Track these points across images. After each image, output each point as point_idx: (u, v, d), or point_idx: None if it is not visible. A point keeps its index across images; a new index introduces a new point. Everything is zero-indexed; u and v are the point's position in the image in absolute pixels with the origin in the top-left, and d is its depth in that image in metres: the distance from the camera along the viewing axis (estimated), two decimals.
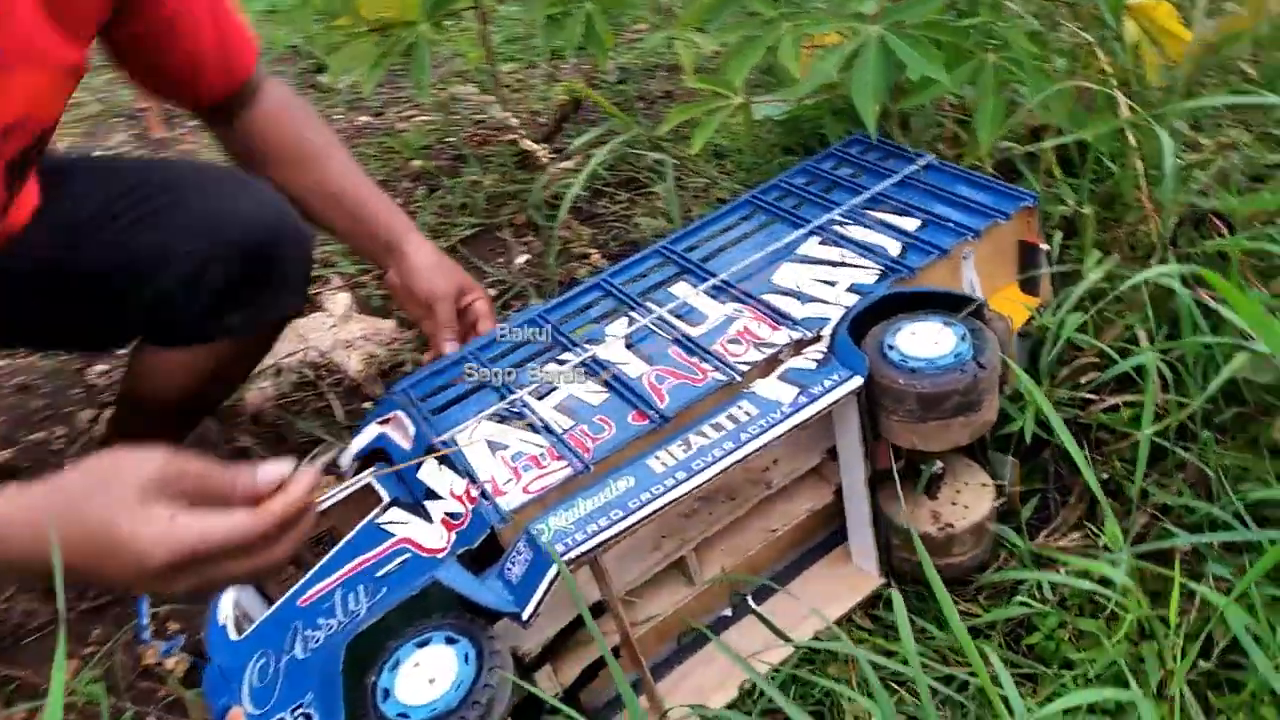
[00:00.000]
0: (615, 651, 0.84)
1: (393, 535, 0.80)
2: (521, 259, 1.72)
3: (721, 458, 0.77)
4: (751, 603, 0.93)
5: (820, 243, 1.00)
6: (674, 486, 0.76)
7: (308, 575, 0.80)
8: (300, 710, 0.69)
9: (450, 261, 1.11)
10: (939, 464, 0.91)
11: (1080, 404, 0.96)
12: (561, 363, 0.93)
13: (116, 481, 0.60)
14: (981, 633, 0.90)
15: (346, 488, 0.86)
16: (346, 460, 0.94)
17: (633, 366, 0.90)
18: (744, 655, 0.91)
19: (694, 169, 1.77)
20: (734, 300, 0.94)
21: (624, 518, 0.74)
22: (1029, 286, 0.97)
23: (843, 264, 0.96)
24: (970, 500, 0.91)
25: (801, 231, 1.01)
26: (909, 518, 0.89)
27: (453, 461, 0.84)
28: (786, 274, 0.96)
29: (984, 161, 1.06)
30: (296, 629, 0.75)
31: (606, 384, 0.89)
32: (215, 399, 1.23)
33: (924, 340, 0.83)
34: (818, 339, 0.87)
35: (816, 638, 0.90)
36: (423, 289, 1.06)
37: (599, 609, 0.85)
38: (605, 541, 0.73)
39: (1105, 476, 0.93)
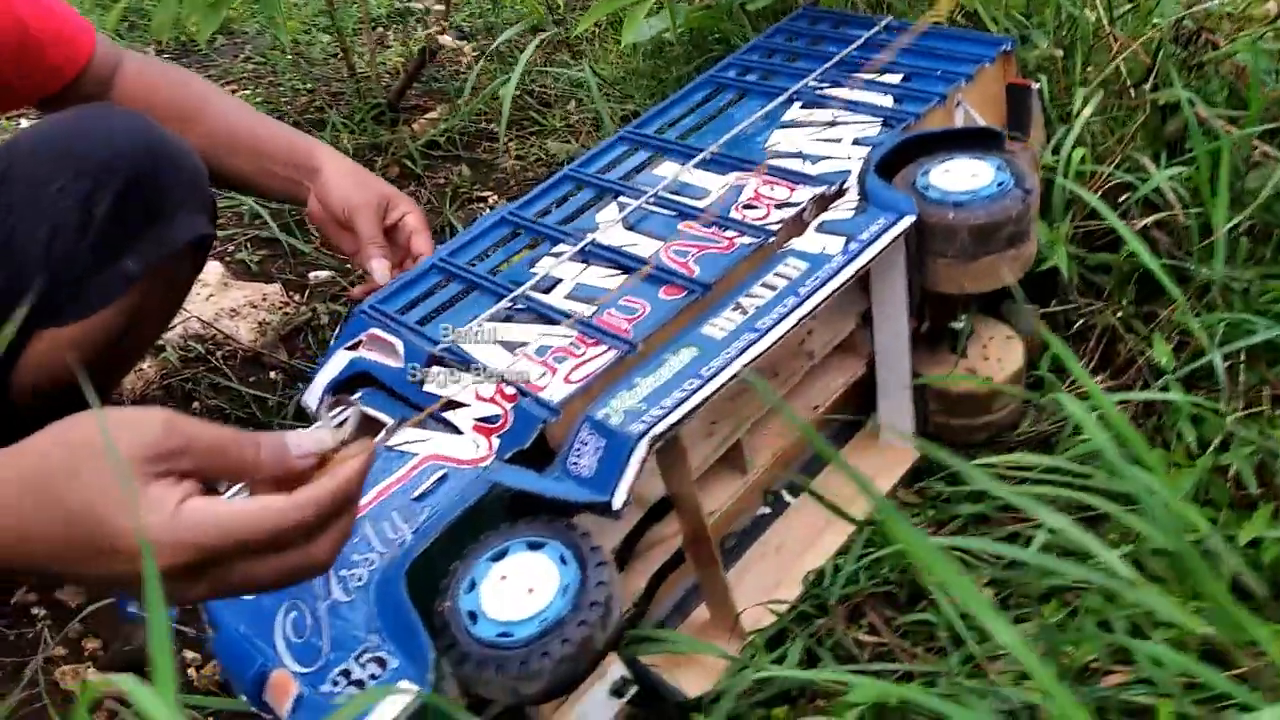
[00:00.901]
0: (678, 556, 0.75)
1: (414, 454, 0.68)
2: None
3: (789, 311, 0.69)
4: (788, 496, 0.86)
5: (803, 106, 0.93)
6: (747, 347, 0.67)
7: None
8: (369, 655, 0.56)
9: (369, 173, 0.97)
10: (965, 319, 0.86)
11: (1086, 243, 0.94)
12: (557, 255, 0.82)
13: (106, 455, 0.44)
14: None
15: (393, 431, 0.72)
16: (314, 397, 0.79)
17: (642, 246, 0.80)
18: (795, 549, 0.84)
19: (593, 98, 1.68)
20: (733, 170, 0.87)
21: (701, 385, 0.65)
22: (1019, 130, 0.95)
23: (837, 122, 0.90)
24: (1002, 354, 0.87)
25: (780, 99, 0.94)
26: (947, 377, 0.85)
27: (467, 365, 0.72)
28: (780, 139, 0.90)
29: (944, 17, 1.04)
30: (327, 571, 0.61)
31: (619, 266, 0.79)
32: (118, 377, 1.04)
33: (960, 176, 0.78)
34: (841, 192, 0.81)
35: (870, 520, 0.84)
36: (337, 203, 0.92)
37: (656, 512, 0.76)
38: (691, 412, 0.64)
39: (1119, 315, 0.91)
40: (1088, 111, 0.90)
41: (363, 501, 0.65)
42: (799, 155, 0.86)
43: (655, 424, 0.63)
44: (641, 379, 0.67)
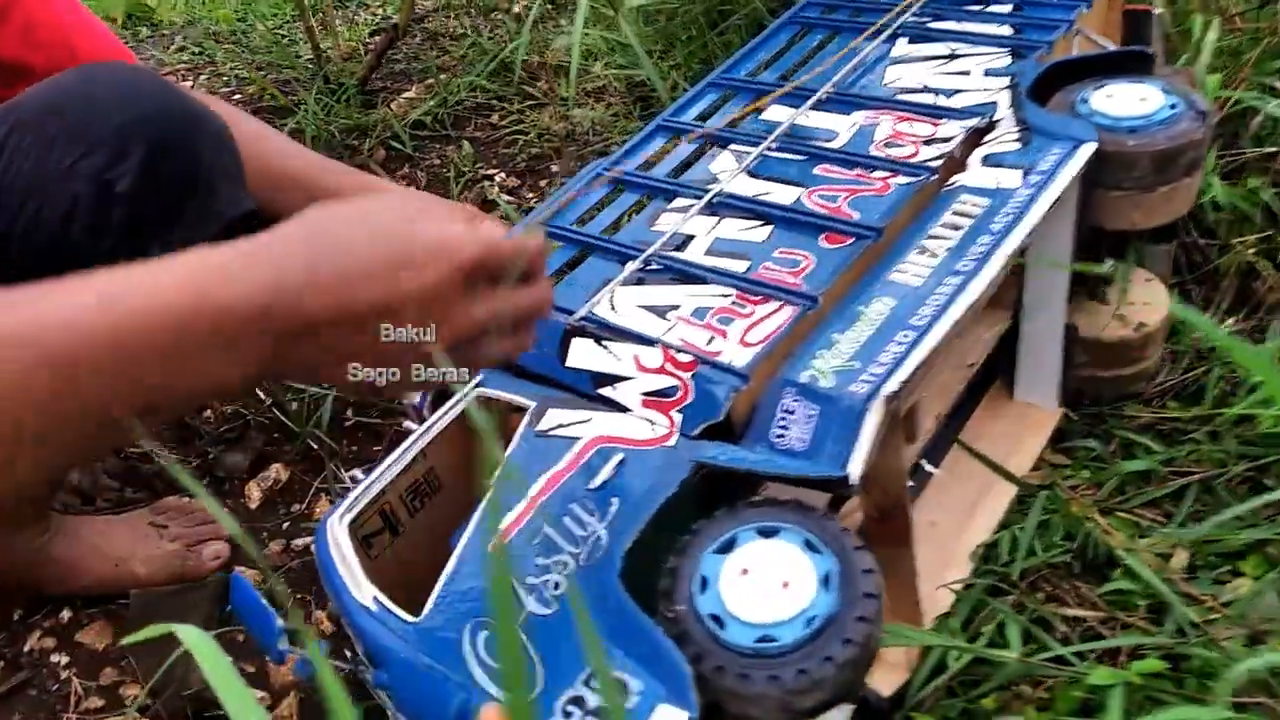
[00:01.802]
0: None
1: (577, 438, 0.57)
2: None
3: (990, 251, 0.61)
4: (928, 466, 0.78)
5: (911, 41, 0.86)
6: (957, 292, 0.59)
7: (472, 520, 0.55)
8: (603, 676, 0.46)
9: (440, 200, 0.86)
10: (1111, 263, 0.80)
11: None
12: (679, 210, 0.72)
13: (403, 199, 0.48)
14: (1190, 436, 0.81)
15: (458, 403, 0.62)
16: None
17: (778, 194, 0.71)
18: (954, 523, 0.76)
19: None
20: (857, 109, 0.78)
21: (919, 337, 0.56)
22: None
23: (957, 55, 0.82)
24: (1147, 296, 0.81)
25: (885, 36, 0.86)
26: (1093, 324, 0.78)
27: (620, 334, 0.62)
28: (900, 75, 0.82)
29: None
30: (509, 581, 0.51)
31: (758, 216, 0.70)
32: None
33: (1127, 100, 0.71)
34: (992, 124, 0.73)
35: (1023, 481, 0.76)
36: None
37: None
38: (919, 368, 0.55)
39: (1254, 251, 0.86)
40: (1212, 36, 0.84)
41: (529, 494, 0.55)
42: (927, 90, 0.79)
43: (881, 383, 0.54)
44: (842, 334, 0.58)
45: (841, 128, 0.76)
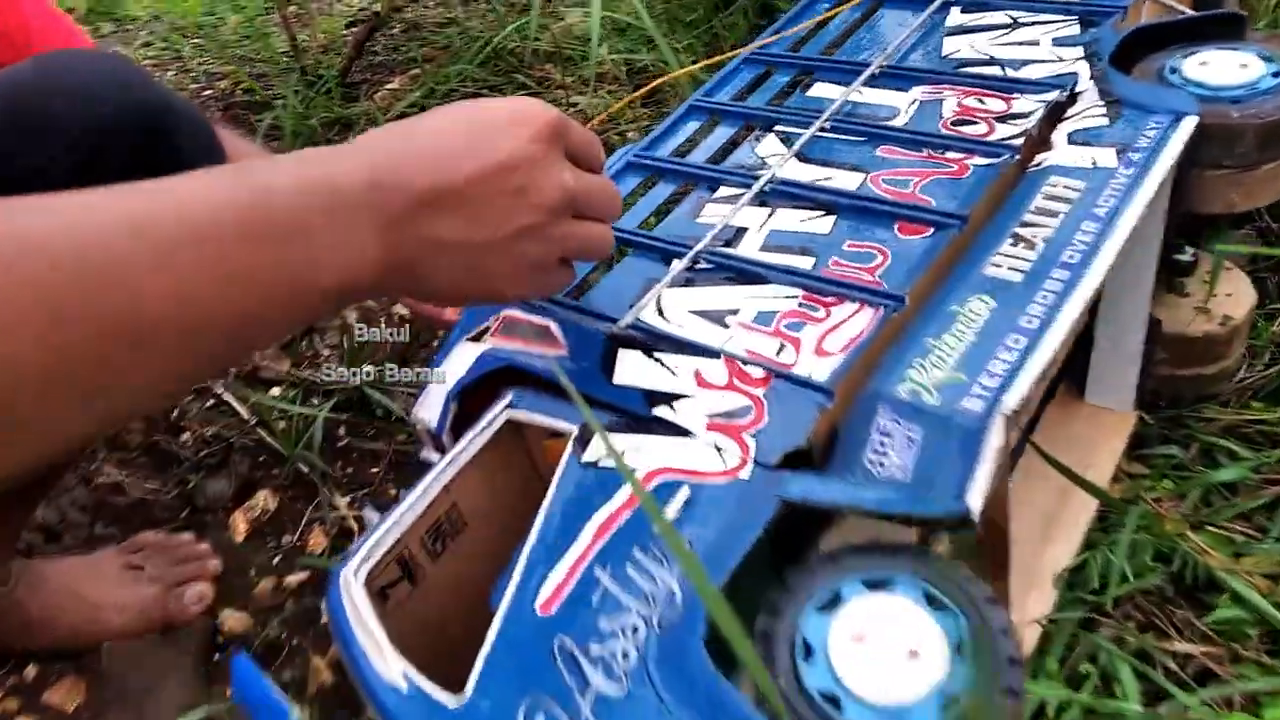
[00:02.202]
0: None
1: (633, 470, 0.49)
2: None
3: (1099, 240, 0.53)
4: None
5: (963, 11, 0.77)
6: (1069, 287, 0.51)
7: (515, 574, 0.46)
8: None
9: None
10: (1192, 251, 0.72)
11: None
12: (726, 200, 0.64)
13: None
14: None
15: (486, 428, 0.53)
16: (433, 410, 0.59)
17: (839, 179, 0.63)
18: (1030, 543, 0.68)
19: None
20: (917, 84, 0.70)
21: (1032, 343, 0.48)
22: None
23: (1019, 23, 0.74)
24: (1230, 287, 0.73)
25: (935, 5, 0.77)
26: (1175, 318, 0.70)
27: (674, 344, 0.53)
28: (958, 46, 0.73)
29: None
30: (569, 651, 0.42)
31: (819, 206, 0.61)
32: None
33: (1225, 68, 0.63)
34: (1074, 97, 0.65)
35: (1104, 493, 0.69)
36: None
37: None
38: (1040, 378, 0.47)
39: None
40: None
41: (581, 543, 0.46)
42: (992, 61, 0.70)
43: (997, 398, 0.46)
44: (937, 339, 0.50)
45: (901, 105, 0.68)
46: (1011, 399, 0.45)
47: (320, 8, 2.00)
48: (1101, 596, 0.64)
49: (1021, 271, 0.53)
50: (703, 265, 0.59)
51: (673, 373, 0.52)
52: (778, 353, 0.52)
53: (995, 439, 0.44)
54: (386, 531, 0.50)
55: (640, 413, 0.51)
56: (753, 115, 0.71)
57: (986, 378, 0.47)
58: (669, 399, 0.51)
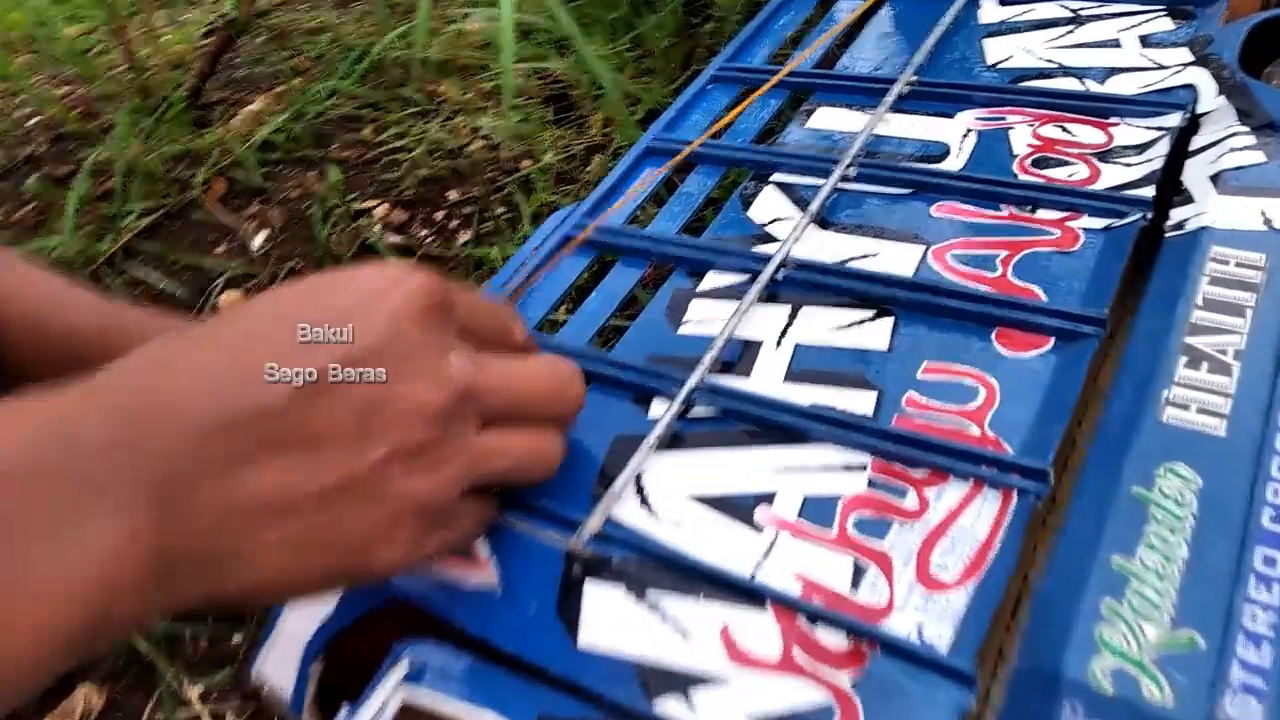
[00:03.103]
0: None
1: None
2: (260, 238, 1.11)
3: None
4: None
5: (1002, 3, 0.58)
6: None
7: None
8: None
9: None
10: None
11: None
12: (706, 293, 0.43)
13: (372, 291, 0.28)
14: None
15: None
16: (284, 672, 0.37)
17: (887, 256, 0.42)
18: None
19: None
20: (966, 107, 0.50)
21: None
22: None
23: (1083, 18, 0.55)
24: None
25: (960, 2, 0.58)
26: None
27: (675, 569, 0.32)
28: (1007, 52, 0.54)
29: None
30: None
31: (855, 299, 0.41)
32: None
33: None
34: (1196, 121, 0.46)
35: None
36: None
37: None
38: None
39: None
40: None
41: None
42: (1063, 71, 0.51)
43: (1273, 684, 0.26)
44: (1125, 561, 0.29)
45: (950, 138, 0.48)
46: None
47: (169, 17, 1.72)
48: None
49: (1221, 416, 0.33)
50: (701, 410, 0.38)
51: (683, 632, 0.31)
52: (854, 584, 0.31)
53: None
54: None
55: (633, 708, 0.30)
56: (738, 160, 0.50)
57: (1245, 642, 0.27)
58: (682, 684, 0.30)
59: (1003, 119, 0.48)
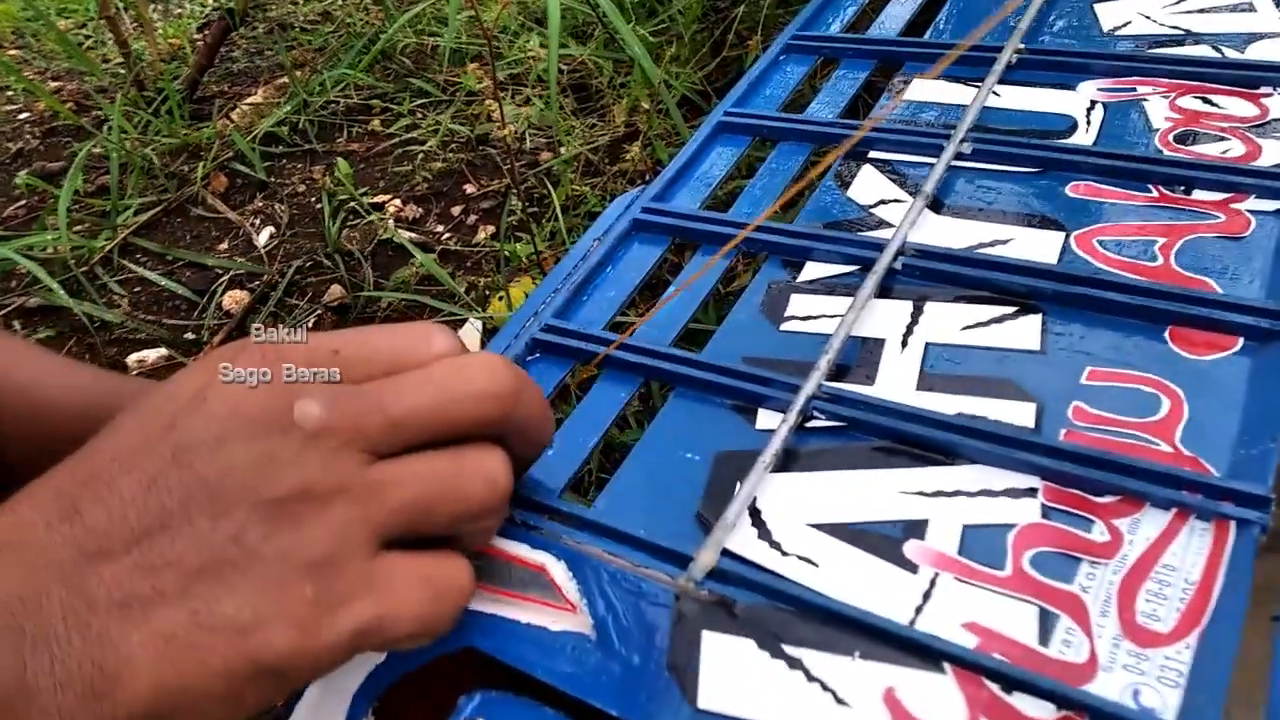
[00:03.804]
0: None
1: None
2: (265, 234, 1.05)
3: None
4: None
5: None
6: None
7: None
8: None
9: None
10: None
11: None
12: (820, 286, 0.37)
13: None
14: None
15: None
16: None
17: (1021, 243, 0.37)
18: None
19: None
20: (1086, 77, 0.44)
21: None
22: None
23: None
24: None
25: None
26: None
27: (809, 614, 0.26)
28: (1126, 17, 0.48)
29: None
30: None
31: (1005, 294, 0.35)
32: None
33: None
34: None
35: None
36: None
37: None
38: None
39: None
40: None
41: None
42: (1192, 37, 0.45)
43: None
44: None
45: (1074, 110, 0.42)
46: None
47: (163, 11, 1.66)
48: None
49: None
50: (819, 422, 0.32)
51: (835, 696, 0.25)
52: (1042, 637, 0.25)
53: None
54: None
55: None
56: (827, 135, 0.44)
57: None
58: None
59: (1132, 90, 0.43)
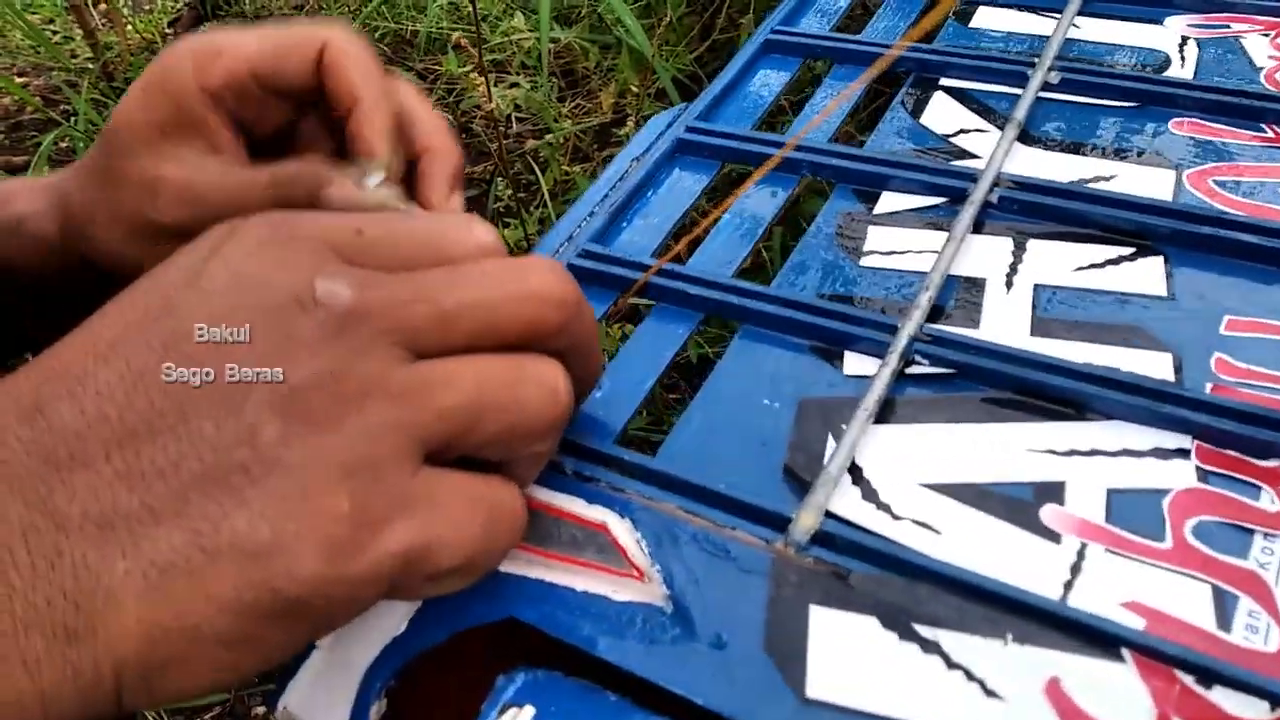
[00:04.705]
0: None
1: None
2: None
3: None
4: None
5: None
6: None
7: None
8: None
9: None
10: None
11: None
12: (906, 219, 0.32)
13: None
14: None
15: None
16: (335, 712, 0.26)
17: (1128, 178, 0.33)
18: None
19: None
20: (1172, 12, 0.40)
21: None
22: None
23: None
24: None
25: None
26: None
27: (942, 587, 0.22)
28: None
29: None
30: None
31: (1117, 233, 0.31)
32: None
33: None
34: None
35: None
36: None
37: None
38: None
39: None
40: None
41: None
42: None
43: None
44: None
45: (1165, 45, 0.38)
46: None
47: (135, 3, 1.54)
48: None
49: None
50: (920, 369, 0.27)
51: (984, 686, 0.20)
52: (1223, 620, 0.21)
53: None
54: None
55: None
56: (923, 59, 0.39)
57: None
58: None
59: (1226, 26, 0.39)
